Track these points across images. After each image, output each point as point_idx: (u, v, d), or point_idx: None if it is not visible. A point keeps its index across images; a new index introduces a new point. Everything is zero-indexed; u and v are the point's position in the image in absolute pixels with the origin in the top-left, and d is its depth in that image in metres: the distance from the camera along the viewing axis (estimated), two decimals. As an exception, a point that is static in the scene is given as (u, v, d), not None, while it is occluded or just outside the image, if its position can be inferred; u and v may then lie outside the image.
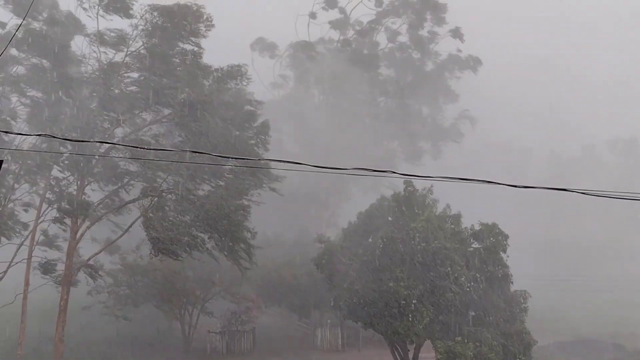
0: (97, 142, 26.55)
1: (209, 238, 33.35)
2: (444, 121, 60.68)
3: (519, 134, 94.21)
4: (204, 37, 34.78)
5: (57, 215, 32.58)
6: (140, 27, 34.61)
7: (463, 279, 28.90)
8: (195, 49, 34.95)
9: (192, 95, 32.93)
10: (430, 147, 60.15)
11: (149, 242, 32.49)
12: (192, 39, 34.82)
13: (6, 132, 14.03)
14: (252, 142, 34.88)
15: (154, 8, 34.70)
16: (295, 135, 59.73)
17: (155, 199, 32.83)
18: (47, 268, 33.32)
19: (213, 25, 34.88)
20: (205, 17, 34.72)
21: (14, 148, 32.00)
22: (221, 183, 33.90)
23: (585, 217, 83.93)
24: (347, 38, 60.11)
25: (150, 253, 33.00)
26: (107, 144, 32.45)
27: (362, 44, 59.73)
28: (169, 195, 33.13)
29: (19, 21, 32.92)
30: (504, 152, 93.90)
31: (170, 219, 32.46)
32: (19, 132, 27.53)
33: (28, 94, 33.56)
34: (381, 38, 60.40)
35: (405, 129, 58.18)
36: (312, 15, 60.58)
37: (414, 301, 28.49)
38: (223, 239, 33.16)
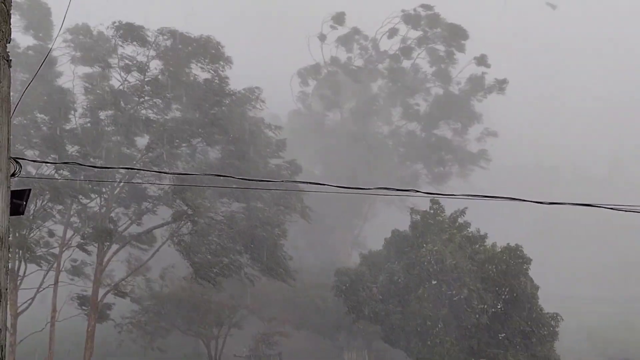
0: (123, 168, 26.70)
1: (249, 260, 33.89)
2: (468, 143, 60.21)
3: (545, 152, 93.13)
4: (222, 71, 35.60)
5: (82, 241, 32.84)
6: (161, 49, 35.19)
7: (475, 302, 28.51)
8: (222, 73, 35.65)
9: (235, 131, 33.65)
10: (458, 171, 59.75)
11: (191, 267, 32.88)
12: (211, 70, 35.55)
13: (35, 160, 14.10)
14: (285, 172, 35.69)
15: (172, 33, 35.34)
16: (320, 158, 59.79)
17: (188, 223, 33.22)
18: (84, 299, 33.56)
19: (232, 64, 35.83)
20: (225, 57, 35.69)
21: (37, 176, 32.29)
22: (257, 204, 34.37)
23: (615, 236, 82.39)
24: (372, 61, 60.18)
25: (192, 277, 33.38)
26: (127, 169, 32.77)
27: (384, 68, 59.78)
28: (198, 219, 33.36)
29: (31, 43, 33.48)
30: (531, 171, 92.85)
31: (209, 242, 32.90)
32: (47, 161, 27.72)
33: (43, 119, 33.86)
34: (404, 62, 60.33)
35: (430, 152, 57.91)
36: (322, 37, 60.80)
37: (439, 325, 28.15)
38: (262, 259, 33.65)
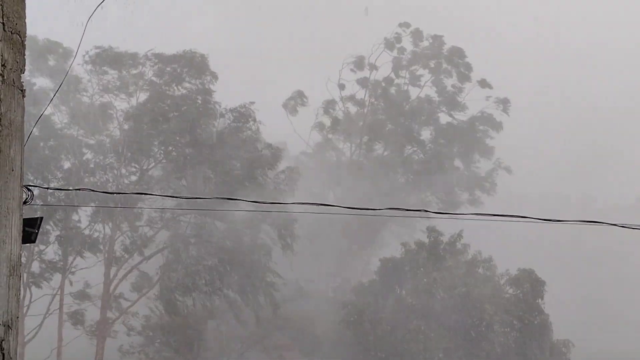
0: (135, 193, 26.92)
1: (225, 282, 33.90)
2: (478, 172, 59.89)
3: (559, 182, 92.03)
4: (211, 85, 35.87)
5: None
6: (147, 76, 35.59)
7: (496, 326, 28.25)
8: (208, 87, 35.95)
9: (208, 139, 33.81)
10: (467, 198, 59.50)
11: (159, 287, 33.04)
12: (198, 83, 35.90)
13: (47, 188, 14.27)
14: (281, 186, 35.73)
15: (157, 57, 35.74)
16: (330, 186, 59.80)
17: (177, 245, 33.41)
18: (77, 319, 33.52)
19: (217, 78, 36.13)
20: (209, 71, 36.04)
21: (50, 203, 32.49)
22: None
23: (628, 259, 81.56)
24: (377, 84, 60.38)
25: (155, 296, 33.49)
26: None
27: (389, 94, 59.96)
28: (191, 239, 33.62)
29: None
30: (543, 201, 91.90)
31: (189, 265, 33.02)
32: (59, 188, 28.06)
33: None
34: (405, 87, 60.53)
35: (439, 180, 57.79)
36: (341, 87, 60.90)
37: (440, 355, 27.93)
38: (245, 281, 33.60)
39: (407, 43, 59.84)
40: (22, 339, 30.88)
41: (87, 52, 35.26)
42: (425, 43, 58.96)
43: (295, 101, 59.71)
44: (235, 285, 34.44)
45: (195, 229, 34.03)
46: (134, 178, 35.31)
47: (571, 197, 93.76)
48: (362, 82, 60.63)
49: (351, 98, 61.23)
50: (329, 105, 60.86)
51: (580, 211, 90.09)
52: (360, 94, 61.33)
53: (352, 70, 60.67)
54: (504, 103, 57.93)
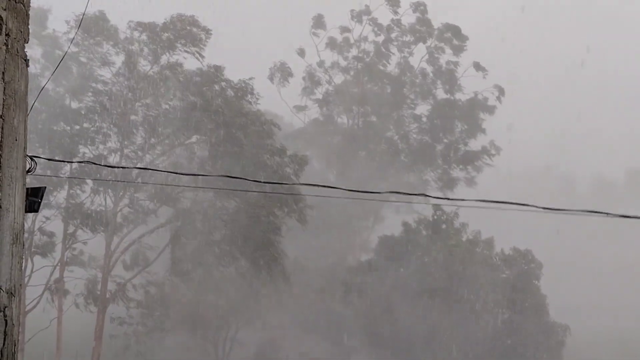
0: (135, 168, 26.97)
1: (239, 255, 33.96)
2: (475, 150, 59.47)
3: (560, 159, 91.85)
4: (204, 46, 35.28)
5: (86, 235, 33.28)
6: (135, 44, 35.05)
7: (492, 305, 28.50)
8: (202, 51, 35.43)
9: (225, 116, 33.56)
10: (464, 175, 59.13)
11: (171, 261, 33.13)
12: (192, 48, 35.29)
13: (50, 159, 14.19)
14: (288, 169, 35.41)
15: (141, 25, 35.05)
16: (325, 161, 59.47)
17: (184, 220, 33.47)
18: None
19: (211, 33, 35.45)
20: (202, 27, 35.37)
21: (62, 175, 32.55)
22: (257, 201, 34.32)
23: (630, 243, 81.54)
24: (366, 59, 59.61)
25: (167, 272, 33.63)
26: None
27: (379, 65, 59.24)
28: (198, 215, 33.66)
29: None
30: (544, 178, 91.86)
31: (199, 238, 33.14)
32: (63, 160, 28.03)
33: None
34: (395, 60, 59.84)
35: (436, 156, 57.48)
36: (315, 31, 59.52)
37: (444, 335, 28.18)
38: (256, 256, 33.60)
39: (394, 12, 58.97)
40: (22, 308, 31.10)
41: (70, 21, 34.26)
42: (411, 13, 58.15)
43: (282, 73, 58.44)
44: (243, 259, 34.47)
45: (198, 204, 34.05)
46: (140, 153, 35.21)
47: (575, 174, 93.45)
48: (346, 49, 59.65)
49: (337, 65, 59.95)
50: (314, 75, 59.70)
51: (584, 188, 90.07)
52: (344, 61, 60.23)
53: (314, 33, 59.27)
54: (499, 90, 57.32)
